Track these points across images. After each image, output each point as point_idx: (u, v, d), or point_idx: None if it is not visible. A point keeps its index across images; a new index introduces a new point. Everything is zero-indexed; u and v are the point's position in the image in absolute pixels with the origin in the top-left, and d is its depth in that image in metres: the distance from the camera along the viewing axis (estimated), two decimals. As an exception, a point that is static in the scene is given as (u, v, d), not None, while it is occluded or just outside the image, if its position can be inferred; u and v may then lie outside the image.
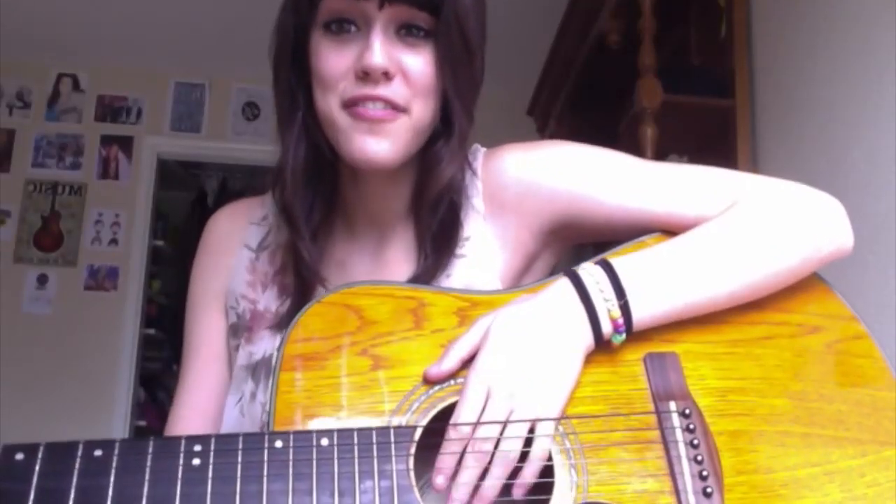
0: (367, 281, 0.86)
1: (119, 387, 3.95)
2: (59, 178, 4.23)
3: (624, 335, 0.79)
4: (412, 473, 0.70)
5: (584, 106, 2.82)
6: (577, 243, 0.99)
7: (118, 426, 3.89)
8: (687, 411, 0.77)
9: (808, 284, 0.87)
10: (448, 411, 0.74)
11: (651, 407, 0.77)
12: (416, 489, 0.70)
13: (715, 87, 2.06)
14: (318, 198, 0.92)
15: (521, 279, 0.95)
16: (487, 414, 0.72)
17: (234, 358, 0.96)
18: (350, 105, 0.85)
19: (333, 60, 0.85)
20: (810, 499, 0.74)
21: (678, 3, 2.31)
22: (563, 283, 0.80)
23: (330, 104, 0.86)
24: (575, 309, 0.78)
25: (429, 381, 0.76)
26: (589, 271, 0.80)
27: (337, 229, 0.98)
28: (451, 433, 0.72)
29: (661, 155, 2.27)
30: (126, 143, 4.32)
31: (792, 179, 1.91)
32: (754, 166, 1.98)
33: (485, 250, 0.92)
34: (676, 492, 0.73)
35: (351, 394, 0.75)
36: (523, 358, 0.75)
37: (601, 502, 0.72)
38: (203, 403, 0.97)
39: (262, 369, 0.93)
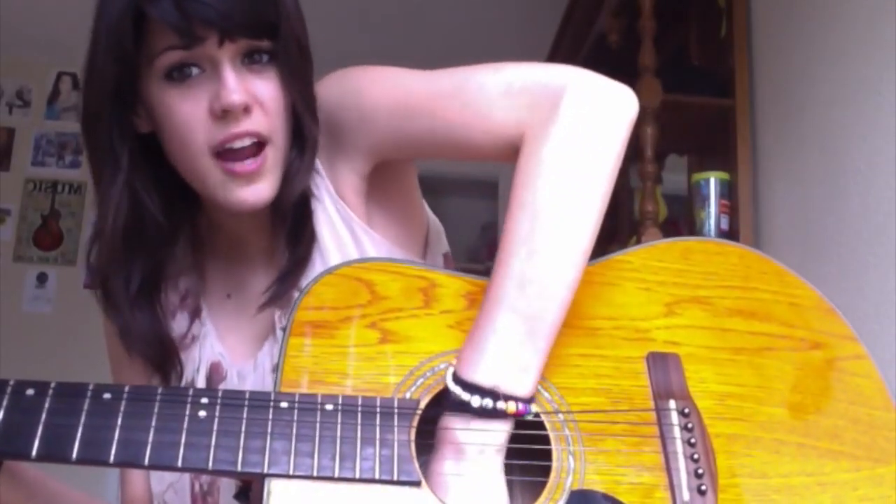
0: (379, 257, 0.87)
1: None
2: (59, 176, 4.22)
3: (532, 406, 0.75)
4: (413, 445, 0.71)
5: (584, 105, 2.81)
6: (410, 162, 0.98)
7: (118, 425, 3.88)
8: (686, 410, 0.78)
9: (811, 302, 0.88)
10: None
11: (651, 404, 0.79)
12: (415, 460, 0.71)
13: (715, 87, 2.06)
14: (137, 261, 0.89)
15: (372, 215, 0.95)
16: None
17: None
18: (220, 151, 0.82)
19: (186, 108, 0.82)
20: None
21: (678, 3, 2.31)
22: (449, 466, 0.73)
23: (193, 154, 0.83)
24: (476, 461, 0.73)
25: None
26: (465, 427, 0.73)
27: (209, 272, 0.98)
28: None
29: (661, 155, 2.27)
30: (126, 142, 4.31)
31: (791, 180, 1.91)
32: (754, 166, 1.98)
33: (329, 208, 0.92)
34: (671, 487, 0.74)
35: (357, 364, 0.76)
36: None
37: (597, 490, 0.73)
38: None
39: None
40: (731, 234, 1.92)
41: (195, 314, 0.97)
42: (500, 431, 0.74)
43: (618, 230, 2.78)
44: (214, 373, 0.93)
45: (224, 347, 0.95)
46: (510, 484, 0.79)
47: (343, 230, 0.92)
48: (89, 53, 0.85)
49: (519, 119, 0.82)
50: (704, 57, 2.27)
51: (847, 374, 0.84)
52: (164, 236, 0.91)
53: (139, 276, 0.89)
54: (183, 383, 0.94)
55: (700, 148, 2.24)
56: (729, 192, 1.93)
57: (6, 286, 3.95)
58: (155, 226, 0.88)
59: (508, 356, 0.75)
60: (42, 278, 4.08)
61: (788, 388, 0.82)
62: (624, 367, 0.80)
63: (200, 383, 0.93)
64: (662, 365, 0.81)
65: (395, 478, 0.70)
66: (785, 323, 0.86)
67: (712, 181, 1.92)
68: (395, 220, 0.98)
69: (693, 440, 0.76)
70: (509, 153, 0.83)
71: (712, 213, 1.91)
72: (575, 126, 0.80)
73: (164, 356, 0.92)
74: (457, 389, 0.74)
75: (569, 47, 2.84)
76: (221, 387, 0.93)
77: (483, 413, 0.73)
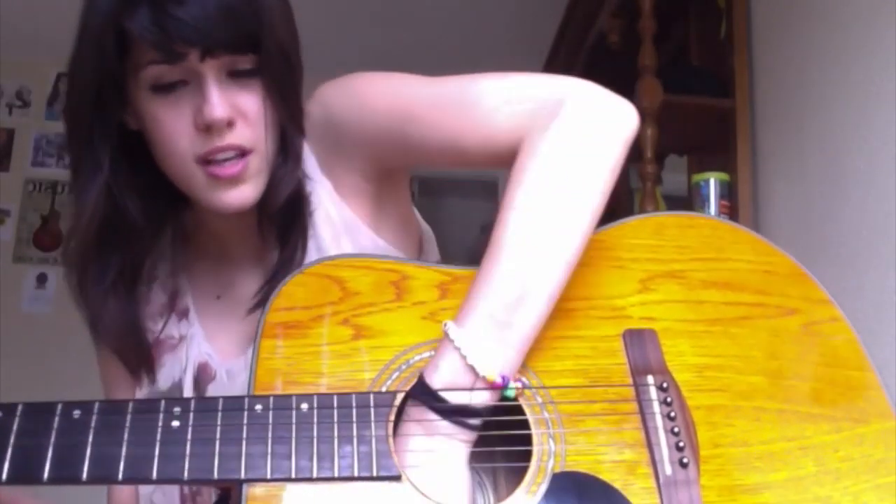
0: (348, 253, 0.86)
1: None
2: (59, 177, 4.21)
3: (514, 384, 0.74)
4: (391, 440, 0.70)
5: (584, 106, 2.81)
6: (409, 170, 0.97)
7: (118, 425, 3.88)
8: (664, 385, 0.77)
9: (785, 269, 0.87)
10: None
11: (629, 381, 0.78)
12: (394, 455, 0.70)
13: (715, 87, 2.05)
14: (113, 256, 0.89)
15: (378, 222, 0.94)
16: None
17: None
18: (203, 160, 0.83)
19: (171, 121, 0.83)
20: (785, 472, 0.74)
21: (678, 3, 2.31)
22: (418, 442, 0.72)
23: (178, 161, 0.84)
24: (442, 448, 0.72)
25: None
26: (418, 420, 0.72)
27: (197, 273, 0.97)
28: None
29: (661, 155, 2.27)
30: (126, 143, 4.31)
31: (791, 180, 1.92)
32: (754, 166, 1.98)
33: (332, 214, 0.91)
34: (653, 462, 0.73)
35: (331, 362, 0.75)
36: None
37: (579, 471, 0.72)
38: None
39: (173, 394, 0.92)
40: (730, 234, 1.91)
41: (182, 315, 0.96)
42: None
43: (618, 231, 2.78)
44: (202, 373, 0.93)
45: (212, 348, 0.94)
46: (492, 471, 0.78)
47: (342, 231, 0.91)
48: (73, 60, 0.86)
49: (518, 126, 0.81)
50: (704, 57, 2.27)
51: (823, 337, 0.83)
52: (144, 236, 0.91)
53: (115, 269, 0.89)
54: (170, 384, 0.93)
55: (700, 148, 2.24)
56: (729, 192, 1.92)
57: (6, 286, 3.95)
58: (133, 226, 0.88)
59: (477, 356, 0.73)
60: (42, 279, 4.07)
61: (766, 356, 0.81)
62: (601, 346, 0.80)
63: (188, 384, 0.92)
64: (639, 341, 0.80)
65: (375, 473, 0.68)
66: (760, 291, 0.85)
67: (712, 182, 1.91)
68: (396, 227, 0.97)
69: (673, 414, 0.76)
70: (507, 160, 0.82)
71: (712, 214, 1.91)
72: (571, 136, 0.79)
73: (134, 346, 0.91)
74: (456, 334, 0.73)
75: (569, 47, 2.84)
76: (211, 386, 0.92)
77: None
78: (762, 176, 1.96)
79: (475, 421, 0.72)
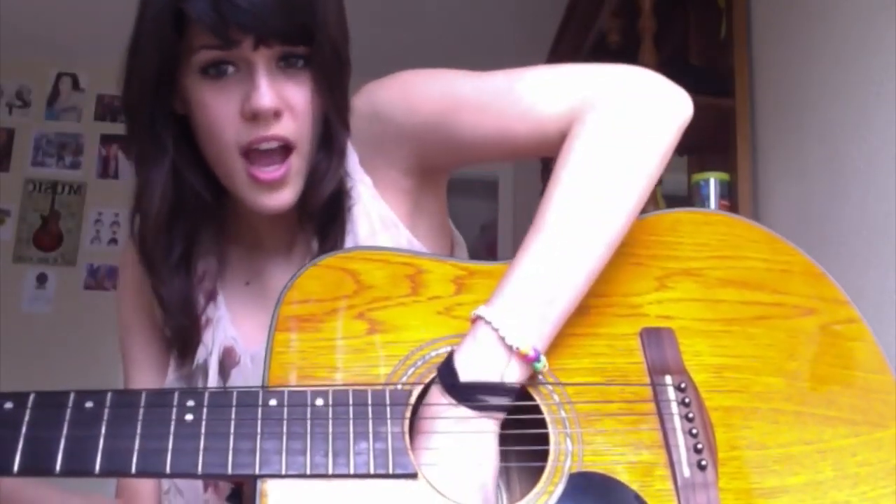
0: (363, 246, 0.86)
1: (119, 386, 3.93)
2: (59, 177, 4.21)
3: (541, 361, 0.74)
4: (407, 437, 0.69)
5: (585, 105, 2.81)
6: (450, 170, 0.98)
7: (118, 425, 3.88)
8: (682, 385, 0.76)
9: (802, 268, 0.86)
10: None
11: (647, 380, 0.76)
12: (410, 452, 0.68)
13: (715, 87, 2.05)
14: (179, 234, 0.91)
15: (415, 220, 0.94)
16: None
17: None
18: (246, 150, 0.83)
19: (218, 106, 0.83)
20: (803, 475, 0.73)
21: (678, 3, 2.31)
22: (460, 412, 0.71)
23: (221, 150, 0.85)
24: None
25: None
26: (445, 396, 0.71)
27: (228, 258, 0.98)
28: None
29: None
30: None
31: (791, 180, 1.91)
32: (754, 166, 1.98)
33: (371, 211, 0.92)
34: (671, 464, 0.72)
35: (346, 356, 0.73)
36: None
37: (596, 472, 0.71)
38: None
39: (198, 376, 0.93)
40: (731, 234, 1.91)
41: (210, 297, 0.96)
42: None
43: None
44: (227, 357, 0.93)
45: (238, 332, 0.94)
46: (505, 471, 0.77)
47: (379, 228, 0.91)
48: (133, 40, 0.86)
49: (569, 109, 0.82)
50: (704, 57, 2.27)
51: (841, 339, 0.82)
52: (209, 214, 0.92)
53: (180, 248, 0.91)
54: (194, 366, 0.93)
55: (700, 148, 2.23)
56: (729, 192, 1.92)
57: (6, 286, 3.95)
58: (199, 202, 0.90)
59: (508, 328, 0.73)
60: (42, 279, 4.07)
61: (784, 357, 0.80)
62: (618, 344, 0.78)
63: (213, 367, 0.92)
64: (657, 340, 0.79)
65: (391, 471, 0.67)
66: (777, 290, 0.84)
67: (712, 182, 1.91)
68: (431, 229, 0.97)
69: (691, 415, 0.74)
70: (557, 146, 0.82)
71: (715, 213, 1.91)
72: (622, 117, 0.80)
73: (191, 324, 0.92)
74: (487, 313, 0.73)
75: (569, 47, 2.84)
76: (235, 370, 0.93)
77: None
78: (762, 175, 1.96)
79: (506, 398, 0.72)
